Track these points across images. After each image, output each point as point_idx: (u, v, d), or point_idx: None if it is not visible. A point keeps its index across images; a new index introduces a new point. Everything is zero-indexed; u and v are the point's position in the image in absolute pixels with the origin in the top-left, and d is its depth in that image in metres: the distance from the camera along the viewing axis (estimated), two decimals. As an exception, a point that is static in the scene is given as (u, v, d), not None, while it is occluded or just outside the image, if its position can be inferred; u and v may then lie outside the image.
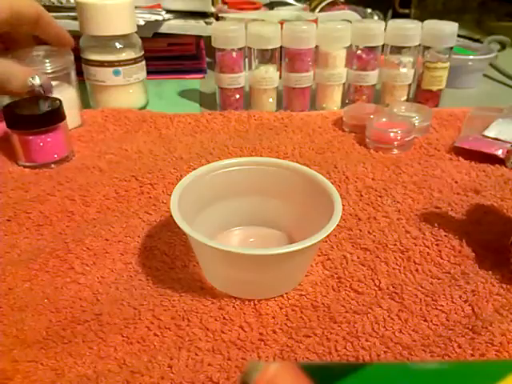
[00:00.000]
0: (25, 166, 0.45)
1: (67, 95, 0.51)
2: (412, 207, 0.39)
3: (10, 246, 0.35)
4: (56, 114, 0.44)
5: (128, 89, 0.57)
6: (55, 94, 0.48)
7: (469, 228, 0.37)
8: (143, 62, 0.58)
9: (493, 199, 0.40)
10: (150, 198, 0.41)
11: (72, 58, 0.52)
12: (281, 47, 0.56)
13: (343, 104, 0.60)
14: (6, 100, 0.49)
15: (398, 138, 0.48)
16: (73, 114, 0.51)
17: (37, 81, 0.41)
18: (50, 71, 0.50)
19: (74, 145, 0.49)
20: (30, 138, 0.43)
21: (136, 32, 0.56)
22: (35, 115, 0.43)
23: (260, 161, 0.35)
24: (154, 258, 0.34)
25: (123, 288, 0.31)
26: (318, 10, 0.86)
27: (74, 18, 0.57)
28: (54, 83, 0.51)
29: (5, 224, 0.37)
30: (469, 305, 0.30)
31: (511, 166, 0.44)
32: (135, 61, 0.56)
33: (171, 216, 0.28)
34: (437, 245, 0.35)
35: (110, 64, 0.55)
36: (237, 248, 0.30)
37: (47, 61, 0.50)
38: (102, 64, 0.55)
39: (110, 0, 0.52)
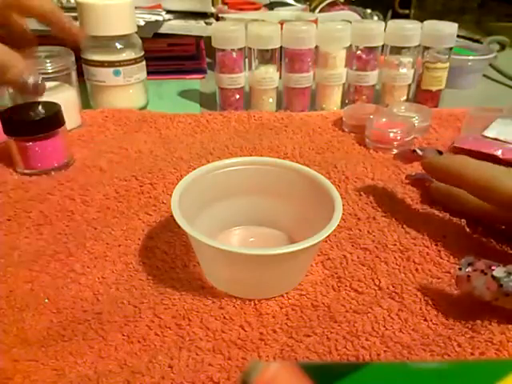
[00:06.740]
0: (24, 174, 0.44)
1: (68, 96, 0.51)
2: (411, 207, 0.40)
3: (11, 247, 0.35)
4: (55, 119, 0.43)
5: (128, 89, 0.57)
6: (56, 95, 0.48)
7: (468, 228, 0.37)
8: (143, 63, 0.58)
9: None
10: (150, 197, 0.41)
11: (73, 58, 0.52)
12: (281, 47, 0.56)
13: (343, 104, 0.60)
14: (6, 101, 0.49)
15: (398, 138, 0.48)
16: (73, 115, 0.51)
17: (30, 80, 0.40)
18: (50, 71, 0.50)
19: (75, 145, 0.49)
20: (29, 144, 0.42)
21: (136, 32, 0.56)
22: (33, 121, 0.42)
23: (260, 161, 0.35)
24: (154, 258, 0.34)
25: (123, 288, 0.31)
26: (317, 10, 0.86)
27: (75, 19, 0.56)
28: (54, 83, 0.51)
29: (5, 223, 0.37)
30: (468, 304, 0.30)
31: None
32: (135, 61, 0.56)
33: (171, 216, 0.28)
34: (436, 245, 0.35)
35: (111, 64, 0.55)
36: (237, 248, 0.30)
37: (48, 61, 0.50)
38: (102, 64, 0.55)
39: (110, 0, 0.52)
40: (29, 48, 0.51)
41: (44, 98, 0.46)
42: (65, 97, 0.50)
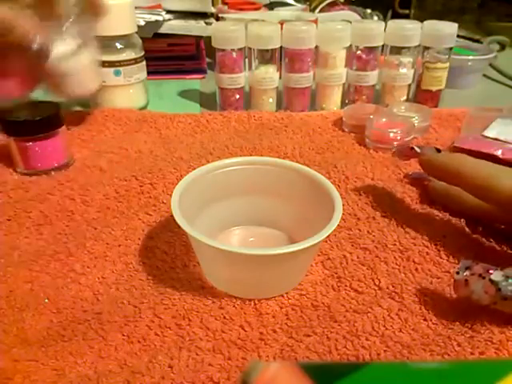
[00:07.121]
0: (24, 174, 0.44)
1: (85, 57, 0.49)
2: (411, 207, 0.40)
3: (11, 247, 0.35)
4: (55, 119, 0.43)
5: (128, 89, 0.57)
6: (74, 58, 0.46)
7: (468, 228, 0.37)
8: (143, 63, 0.58)
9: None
10: (150, 197, 0.41)
11: (91, 23, 0.51)
12: (281, 47, 0.56)
13: (343, 104, 0.60)
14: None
15: (398, 138, 0.48)
16: (92, 77, 0.49)
17: (36, 42, 0.38)
18: (69, 34, 0.48)
19: (75, 145, 0.49)
20: (29, 144, 0.42)
21: (136, 32, 0.56)
22: (33, 121, 0.42)
23: (260, 161, 0.35)
24: (154, 258, 0.34)
25: (123, 288, 0.31)
26: (317, 10, 0.86)
27: (75, 18, 0.57)
28: (72, 46, 0.48)
29: (5, 223, 0.37)
30: (468, 303, 0.30)
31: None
32: (135, 61, 0.56)
33: (171, 216, 0.28)
34: (436, 244, 0.35)
35: (111, 64, 0.55)
36: (237, 248, 0.30)
37: (67, 24, 0.48)
38: (102, 64, 0.55)
39: (110, 0, 0.52)
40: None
41: (61, 62, 0.44)
42: (82, 59, 0.48)
